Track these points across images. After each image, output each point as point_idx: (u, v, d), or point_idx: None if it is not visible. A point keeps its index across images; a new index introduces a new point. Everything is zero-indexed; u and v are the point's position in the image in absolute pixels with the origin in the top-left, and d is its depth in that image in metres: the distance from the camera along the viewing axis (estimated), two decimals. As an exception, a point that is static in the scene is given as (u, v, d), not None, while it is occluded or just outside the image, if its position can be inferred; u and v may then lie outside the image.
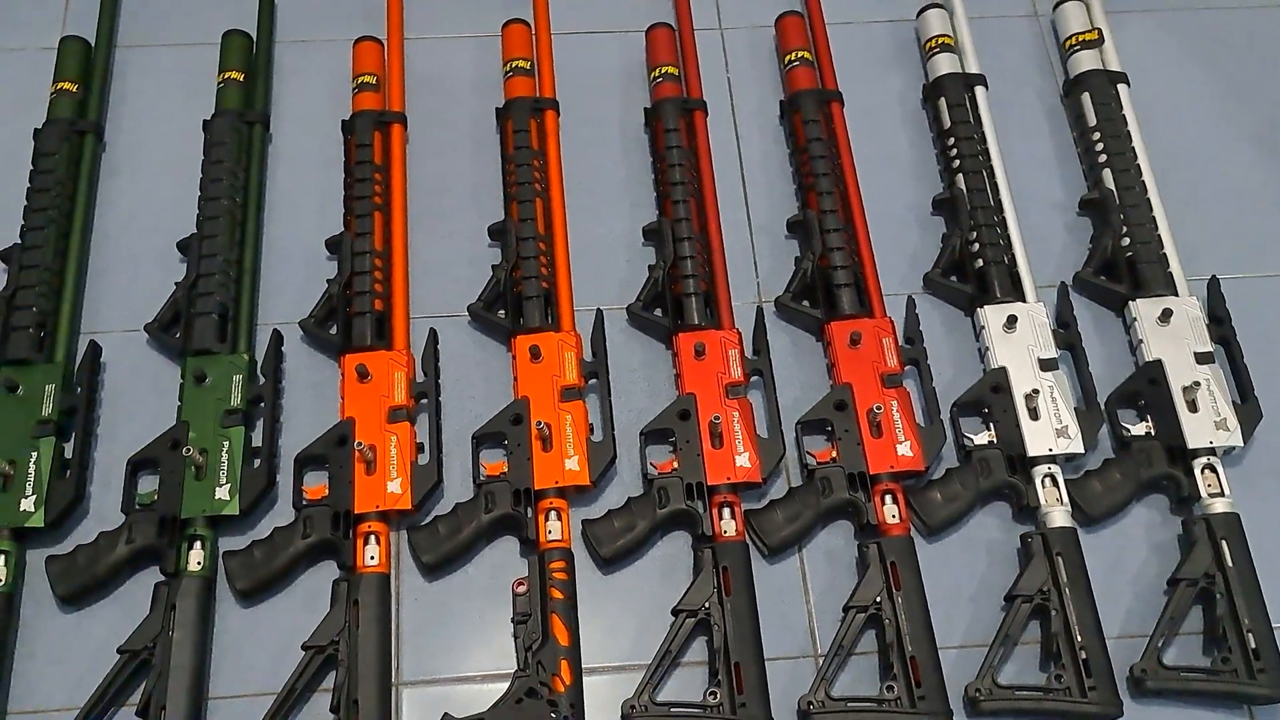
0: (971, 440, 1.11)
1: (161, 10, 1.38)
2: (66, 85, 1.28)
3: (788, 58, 1.33)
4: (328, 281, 1.19)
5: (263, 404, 1.12)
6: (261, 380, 1.13)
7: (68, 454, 1.09)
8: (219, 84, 1.29)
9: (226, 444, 1.08)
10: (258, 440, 1.10)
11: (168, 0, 1.39)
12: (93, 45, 1.32)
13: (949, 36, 1.35)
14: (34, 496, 1.05)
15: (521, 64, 1.30)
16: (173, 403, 1.12)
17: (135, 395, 1.15)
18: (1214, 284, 1.19)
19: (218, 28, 1.34)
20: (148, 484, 1.09)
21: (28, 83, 1.33)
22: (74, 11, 1.38)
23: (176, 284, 1.18)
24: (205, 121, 1.27)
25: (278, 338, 1.16)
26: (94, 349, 1.14)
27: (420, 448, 1.10)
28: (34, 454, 1.07)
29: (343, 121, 1.28)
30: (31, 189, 1.21)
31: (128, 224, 1.24)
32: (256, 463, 1.09)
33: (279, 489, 1.09)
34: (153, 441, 1.09)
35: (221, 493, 1.06)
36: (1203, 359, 1.13)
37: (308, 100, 1.33)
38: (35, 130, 1.25)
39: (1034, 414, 1.11)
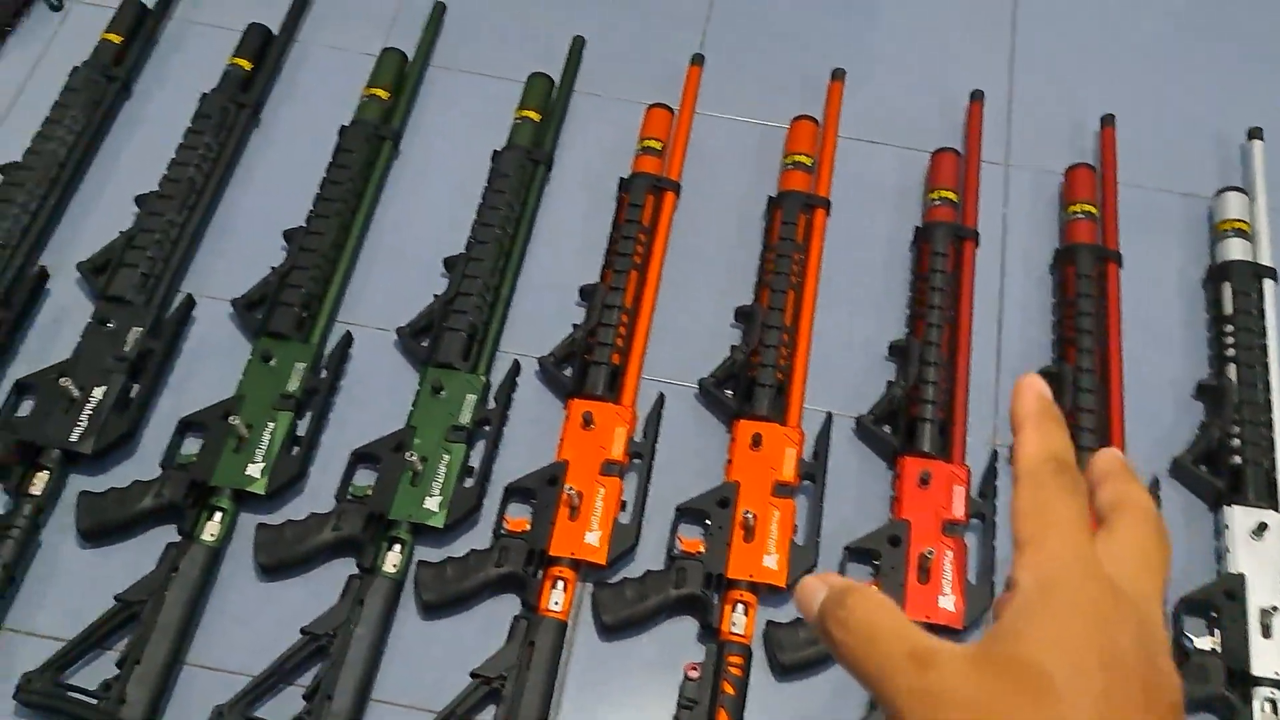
0: (1192, 641, 1.04)
1: (477, 40, 1.44)
2: (378, 91, 1.35)
3: (1071, 208, 1.30)
4: (574, 326, 1.21)
5: (488, 427, 1.14)
6: (492, 405, 1.16)
7: (299, 431, 1.14)
8: (515, 119, 1.34)
9: (447, 458, 1.11)
10: (473, 460, 1.13)
11: (485, 33, 1.45)
12: (409, 59, 1.39)
13: (1245, 222, 1.29)
14: (262, 464, 1.10)
15: (802, 159, 1.31)
16: (404, 406, 1.16)
17: (372, 391, 1.19)
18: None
19: (525, 67, 1.40)
20: (364, 478, 1.12)
21: (343, 82, 1.41)
22: (399, 25, 1.45)
23: (436, 296, 1.22)
24: (495, 152, 1.32)
25: (516, 367, 1.18)
26: (347, 339, 1.19)
27: (623, 506, 1.10)
28: (271, 424, 1.12)
29: (621, 179, 1.31)
30: (326, 179, 1.28)
31: (402, 231, 1.30)
32: (469, 482, 1.11)
33: (482, 513, 1.11)
34: (379, 440, 1.13)
35: (431, 503, 1.08)
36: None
37: (590, 150, 1.36)
38: (341, 127, 1.33)
39: (1266, 631, 1.03)
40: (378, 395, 1.19)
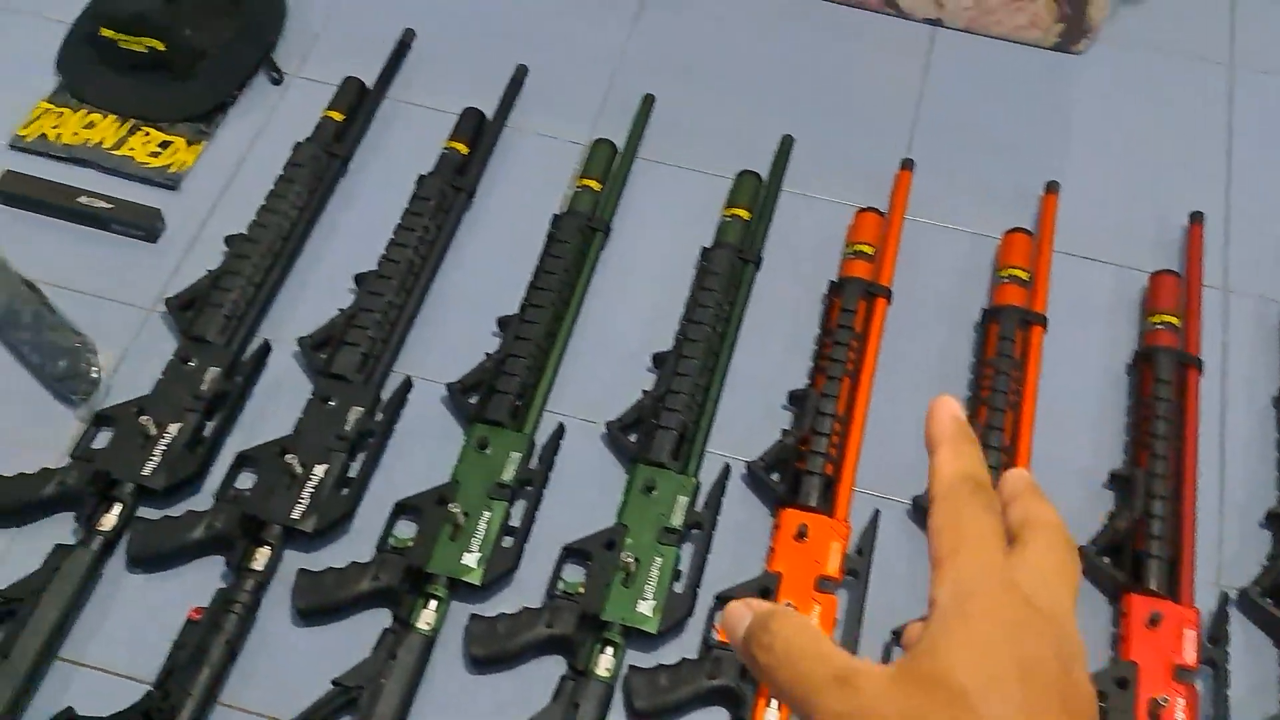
0: None
1: (686, 135, 1.45)
2: (590, 182, 1.36)
3: (1298, 339, 1.26)
4: (783, 431, 1.20)
5: (696, 530, 1.13)
6: (700, 508, 1.14)
7: (513, 522, 1.14)
8: (724, 216, 1.35)
9: (659, 560, 1.10)
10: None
11: (693, 128, 1.46)
12: (619, 151, 1.40)
13: None
14: (478, 554, 1.10)
15: (1018, 273, 1.29)
16: (610, 502, 1.15)
17: (579, 486, 1.19)
18: None
19: (729, 162, 1.41)
20: (573, 573, 1.11)
21: (549, 168, 1.42)
22: (606, 114, 1.47)
23: (645, 393, 1.22)
24: (704, 249, 1.32)
25: (727, 470, 1.17)
26: (559, 431, 1.19)
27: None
28: (487, 513, 1.12)
29: (831, 283, 1.30)
30: (541, 268, 1.29)
31: (608, 322, 1.30)
32: (678, 587, 1.10)
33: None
34: (590, 536, 1.12)
35: (644, 607, 1.07)
36: None
37: (796, 250, 1.36)
38: (555, 216, 1.34)
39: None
40: (587, 491, 1.18)
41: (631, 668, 1.06)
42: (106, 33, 1.41)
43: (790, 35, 1.57)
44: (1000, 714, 0.32)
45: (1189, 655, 1.05)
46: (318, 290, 1.30)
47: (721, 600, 1.10)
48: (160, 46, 1.40)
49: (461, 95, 1.46)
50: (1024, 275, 1.29)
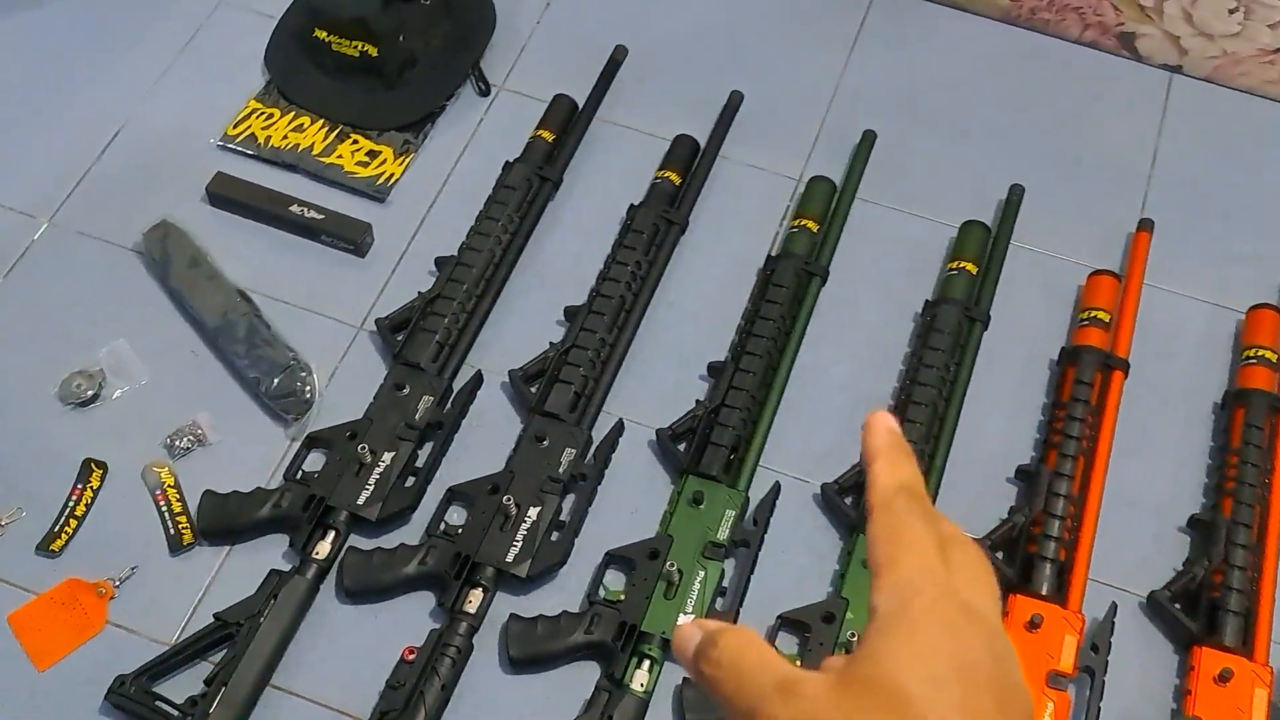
0: None
1: (906, 176, 1.39)
2: (807, 222, 1.31)
3: None
4: (1011, 510, 1.14)
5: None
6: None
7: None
8: (950, 269, 1.28)
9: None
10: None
11: (914, 169, 1.40)
12: (837, 189, 1.35)
13: None
14: (693, 615, 1.06)
15: (1267, 354, 1.21)
16: (824, 573, 1.11)
17: (788, 548, 1.14)
18: None
19: (957, 210, 1.35)
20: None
21: (761, 203, 1.37)
22: (821, 148, 1.41)
23: (856, 463, 1.17)
24: (928, 302, 1.27)
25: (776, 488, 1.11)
26: (775, 490, 1.14)
27: None
28: (700, 573, 1.08)
29: (1063, 349, 1.24)
30: (755, 313, 1.24)
31: (823, 373, 1.25)
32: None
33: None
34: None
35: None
36: None
37: (1021, 310, 1.29)
38: (769, 256, 1.29)
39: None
40: (794, 551, 1.14)
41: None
42: (320, 34, 1.39)
43: (1018, 73, 1.49)
44: (941, 715, 0.33)
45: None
46: (525, 320, 1.27)
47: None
48: (373, 51, 1.38)
49: (671, 119, 1.42)
50: (1271, 357, 1.21)
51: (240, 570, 1.10)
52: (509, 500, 1.09)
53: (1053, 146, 1.43)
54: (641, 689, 1.03)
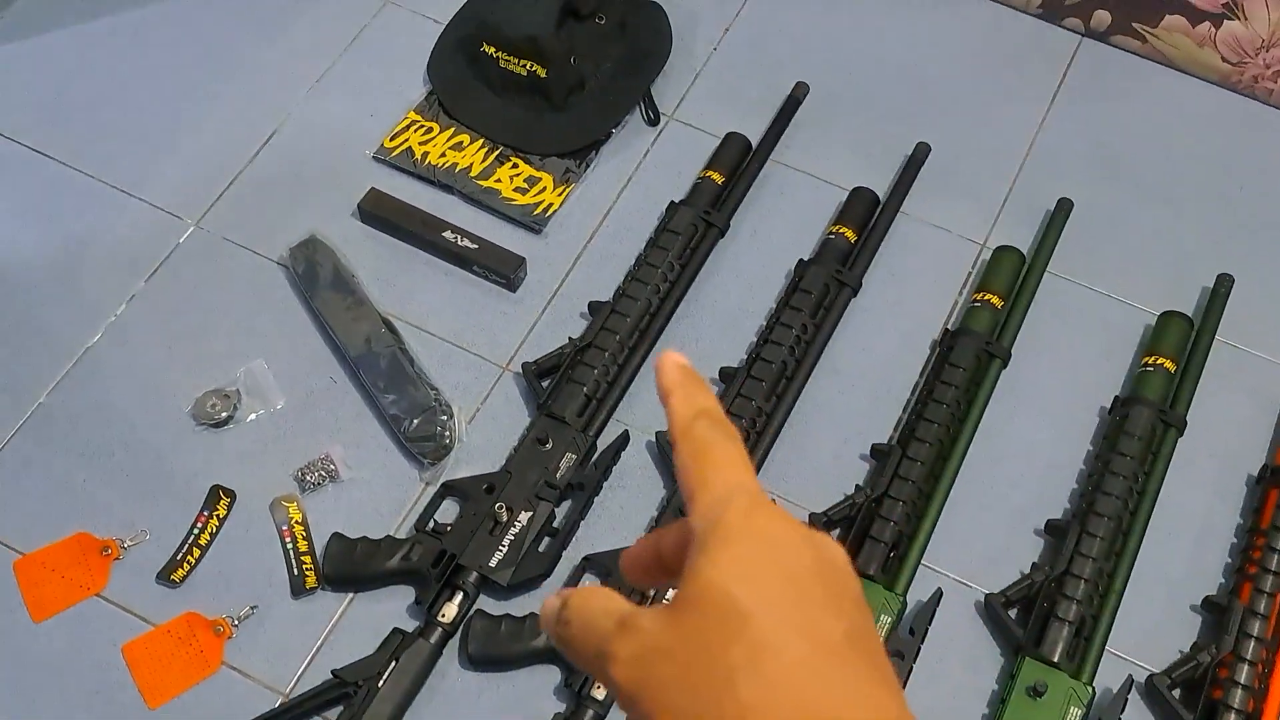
0: None
1: (1102, 251, 1.28)
2: (991, 297, 1.20)
3: None
4: (1193, 646, 1.03)
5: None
6: (1098, 722, 0.99)
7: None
8: (1145, 365, 1.17)
9: None
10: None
11: (1111, 243, 1.28)
12: (1025, 262, 1.24)
13: None
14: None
15: None
16: (983, 687, 1.01)
17: (945, 660, 1.05)
18: None
19: (1156, 296, 1.23)
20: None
21: (941, 270, 1.27)
22: (1010, 212, 1.31)
23: (1033, 565, 1.07)
24: (1117, 399, 1.16)
25: (1129, 683, 1.01)
26: (937, 596, 1.05)
27: None
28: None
29: (1265, 467, 1.12)
30: (928, 394, 1.15)
31: (998, 468, 1.15)
32: None
33: None
34: None
35: None
36: None
37: (1224, 417, 1.17)
38: (946, 331, 1.19)
39: None
40: (951, 665, 1.04)
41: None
42: (489, 49, 1.32)
43: (1233, 144, 1.37)
44: (775, 618, 0.33)
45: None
46: (678, 374, 1.18)
47: None
48: (542, 72, 1.30)
49: (850, 167, 1.33)
50: None
51: (361, 621, 1.05)
52: (650, 582, 1.01)
53: (1268, 229, 1.29)
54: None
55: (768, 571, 0.34)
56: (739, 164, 1.30)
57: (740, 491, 0.36)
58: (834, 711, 0.32)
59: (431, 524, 1.08)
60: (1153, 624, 1.07)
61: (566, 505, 1.10)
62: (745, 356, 1.18)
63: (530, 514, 1.07)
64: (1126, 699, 1.01)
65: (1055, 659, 1.01)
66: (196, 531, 1.09)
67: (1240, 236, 1.29)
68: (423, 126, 1.33)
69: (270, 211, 1.27)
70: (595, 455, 1.12)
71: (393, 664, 0.99)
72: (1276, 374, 1.20)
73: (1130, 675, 1.02)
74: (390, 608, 1.06)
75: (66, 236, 1.24)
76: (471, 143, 1.32)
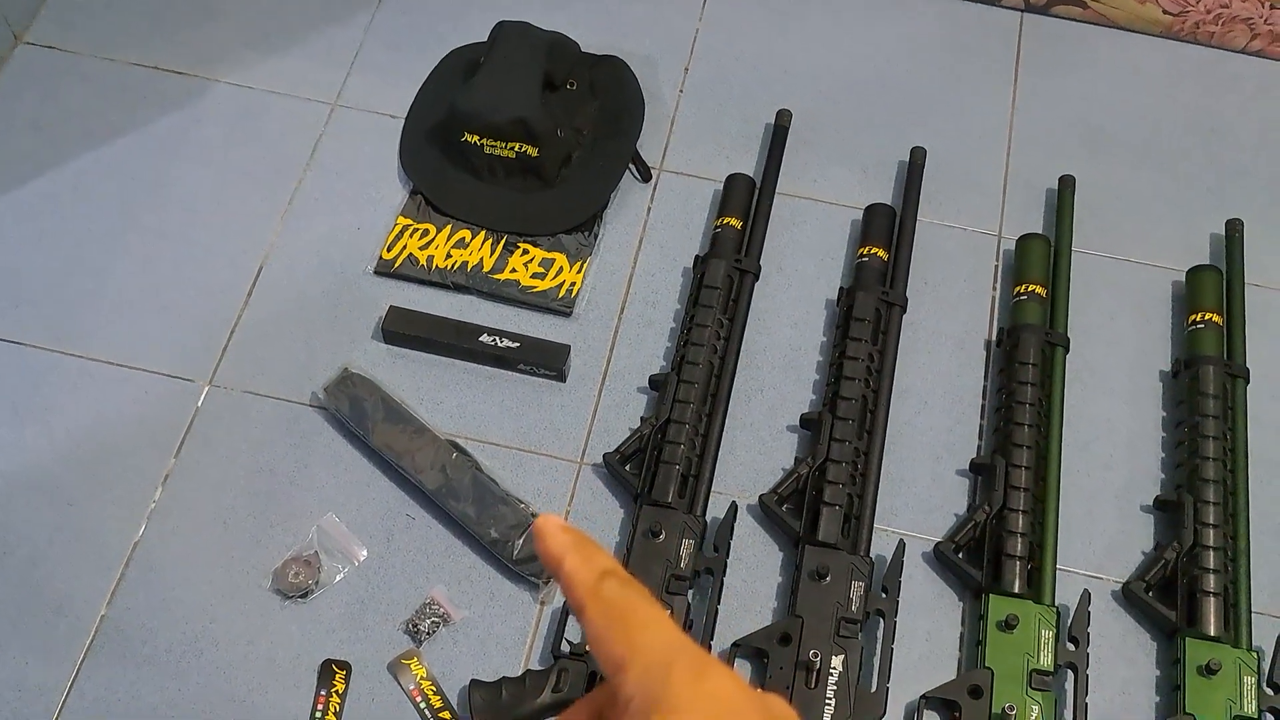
0: None
1: (1109, 221, 1.31)
2: (1035, 287, 1.21)
3: None
4: (1155, 547, 1.07)
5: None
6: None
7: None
8: (1194, 323, 1.20)
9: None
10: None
11: (1123, 214, 1.32)
12: (1052, 246, 1.25)
13: None
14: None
15: None
16: (1145, 687, 1.02)
17: (1101, 662, 1.05)
18: None
19: (1181, 255, 1.27)
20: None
21: (975, 266, 1.28)
22: (1012, 199, 1.32)
23: (1158, 545, 1.09)
24: (1178, 359, 1.18)
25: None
26: (1086, 599, 1.05)
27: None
28: (1035, 708, 0.99)
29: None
30: (1010, 399, 1.15)
31: (1081, 456, 1.16)
32: None
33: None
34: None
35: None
36: None
37: (1276, 360, 1.21)
38: (1000, 329, 1.20)
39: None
40: (1107, 663, 1.05)
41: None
42: (471, 138, 1.26)
43: (1194, 92, 1.42)
44: None
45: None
46: (756, 434, 1.17)
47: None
48: (533, 152, 1.26)
49: (850, 184, 1.32)
50: None
51: (523, 765, 0.98)
52: (816, 657, 0.99)
53: (1251, 167, 1.34)
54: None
55: None
56: (749, 204, 1.28)
57: (679, 653, 0.34)
58: None
59: (567, 646, 1.02)
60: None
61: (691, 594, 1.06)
62: (821, 399, 1.16)
63: (669, 612, 1.02)
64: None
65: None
66: (320, 715, 1.01)
67: (1230, 179, 1.34)
68: (417, 230, 1.27)
69: (284, 352, 1.19)
70: (711, 533, 1.09)
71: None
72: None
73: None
74: (544, 742, 1.00)
75: (73, 428, 1.13)
76: (474, 237, 1.26)
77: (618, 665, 0.34)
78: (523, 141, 1.25)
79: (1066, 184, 1.30)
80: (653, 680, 0.33)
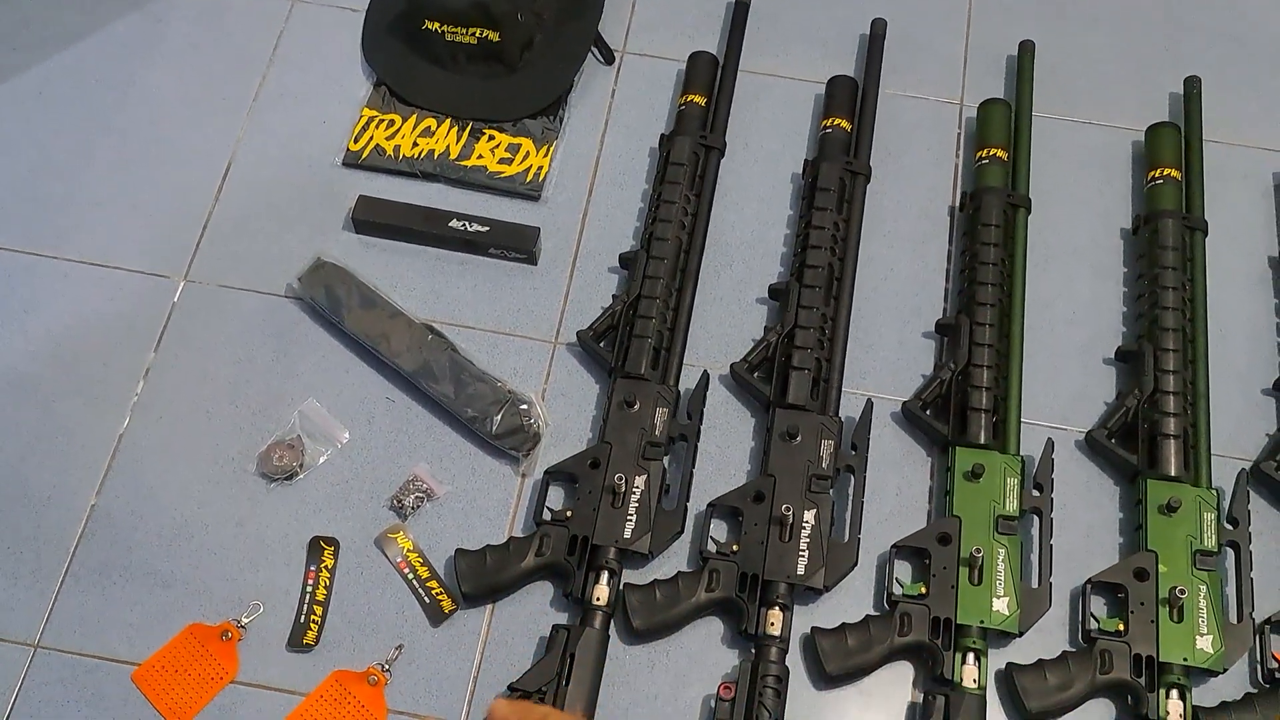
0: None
1: (1068, 84, 1.32)
2: (996, 151, 1.23)
3: None
4: (1117, 395, 1.10)
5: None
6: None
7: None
8: (1153, 179, 1.22)
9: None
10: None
11: (1082, 76, 1.33)
12: (1013, 110, 1.27)
13: None
14: (1006, 599, 1.01)
15: None
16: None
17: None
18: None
19: (1141, 114, 1.28)
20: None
21: (935, 137, 1.29)
22: (975, 68, 1.34)
23: (1121, 393, 1.12)
24: (1138, 216, 1.20)
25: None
26: (1049, 446, 1.08)
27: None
28: (1002, 551, 1.03)
29: None
30: (973, 260, 1.17)
31: (1044, 313, 1.18)
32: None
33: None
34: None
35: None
36: None
37: (1235, 210, 1.23)
38: (964, 194, 1.22)
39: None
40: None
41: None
42: (432, 25, 1.26)
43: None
44: None
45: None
46: (726, 306, 1.19)
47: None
48: (495, 36, 1.26)
49: (812, 59, 1.34)
50: None
51: (511, 629, 1.03)
52: (788, 509, 1.02)
53: (1207, 28, 1.36)
54: (976, 685, 0.97)
55: None
56: (713, 81, 1.29)
57: None
58: None
59: (548, 514, 1.05)
60: (1237, 415, 1.12)
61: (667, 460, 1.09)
62: (789, 270, 1.18)
63: (644, 477, 1.06)
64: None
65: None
66: (310, 589, 1.04)
67: (1186, 39, 1.35)
68: (383, 120, 1.27)
69: (257, 246, 1.20)
70: (680, 403, 1.11)
71: (569, 662, 0.97)
72: (1262, 159, 1.26)
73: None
74: (533, 609, 1.04)
75: (52, 327, 1.15)
76: (440, 125, 1.27)
77: None
78: (483, 26, 1.26)
79: (1025, 49, 1.31)
80: None
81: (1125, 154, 1.27)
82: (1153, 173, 1.22)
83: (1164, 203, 1.20)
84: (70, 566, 1.04)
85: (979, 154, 1.23)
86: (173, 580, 1.04)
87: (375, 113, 1.28)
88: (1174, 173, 1.21)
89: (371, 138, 1.26)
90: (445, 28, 1.26)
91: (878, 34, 1.32)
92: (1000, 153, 1.23)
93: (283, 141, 1.26)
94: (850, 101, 1.27)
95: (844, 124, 1.25)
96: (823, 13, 1.36)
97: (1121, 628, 1.00)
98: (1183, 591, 0.99)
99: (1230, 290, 1.19)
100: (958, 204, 1.23)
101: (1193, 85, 1.28)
